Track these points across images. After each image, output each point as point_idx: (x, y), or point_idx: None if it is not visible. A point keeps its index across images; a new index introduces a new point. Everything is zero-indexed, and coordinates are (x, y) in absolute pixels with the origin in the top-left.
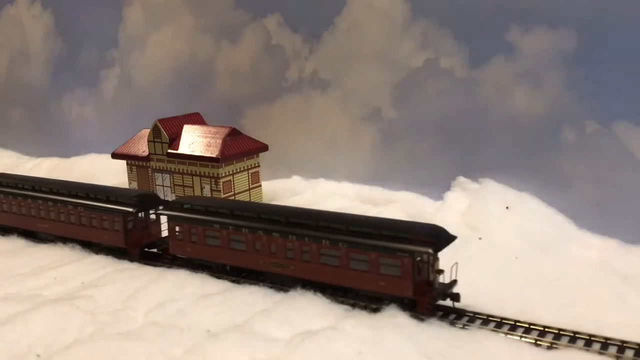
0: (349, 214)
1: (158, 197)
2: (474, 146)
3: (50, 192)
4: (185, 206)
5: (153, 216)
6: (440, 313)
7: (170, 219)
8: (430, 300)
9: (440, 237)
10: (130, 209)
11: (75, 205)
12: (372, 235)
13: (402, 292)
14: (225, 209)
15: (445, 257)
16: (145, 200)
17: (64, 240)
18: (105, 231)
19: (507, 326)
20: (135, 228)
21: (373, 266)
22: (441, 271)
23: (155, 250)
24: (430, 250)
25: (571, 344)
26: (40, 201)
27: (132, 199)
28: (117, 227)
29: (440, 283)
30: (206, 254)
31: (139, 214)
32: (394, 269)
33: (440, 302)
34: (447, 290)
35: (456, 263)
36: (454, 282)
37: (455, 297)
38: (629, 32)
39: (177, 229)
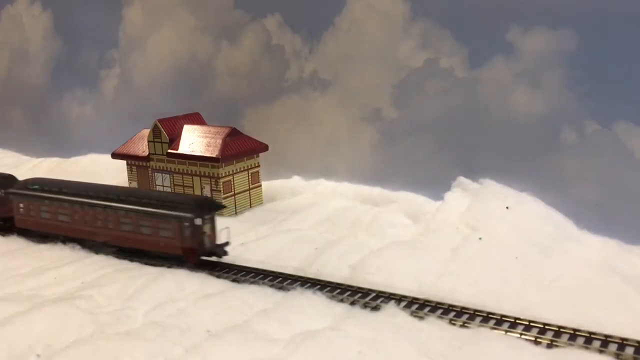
0: (143, 190)
1: (15, 179)
2: (474, 146)
3: None
4: (28, 186)
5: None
6: (218, 268)
7: (15, 196)
8: (195, 256)
9: (203, 207)
10: None
11: None
12: (155, 205)
13: (174, 250)
14: (55, 188)
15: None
16: (3, 181)
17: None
18: None
19: (506, 324)
20: None
21: (155, 231)
22: (205, 233)
23: (4, 223)
24: (191, 216)
25: (571, 342)
26: None
27: None
28: None
29: (215, 244)
30: (42, 226)
31: None
32: (169, 232)
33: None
34: (214, 250)
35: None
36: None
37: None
38: (628, 31)
39: (20, 205)
